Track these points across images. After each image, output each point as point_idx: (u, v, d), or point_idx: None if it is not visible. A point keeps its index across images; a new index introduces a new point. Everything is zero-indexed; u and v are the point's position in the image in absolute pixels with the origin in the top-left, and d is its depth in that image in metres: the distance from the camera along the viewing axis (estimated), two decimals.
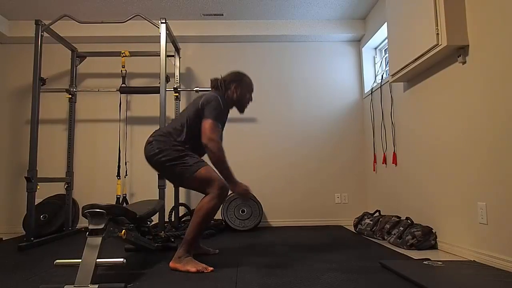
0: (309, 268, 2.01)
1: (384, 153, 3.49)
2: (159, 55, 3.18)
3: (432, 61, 2.47)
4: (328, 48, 4.20)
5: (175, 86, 3.75)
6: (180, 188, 3.75)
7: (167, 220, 3.48)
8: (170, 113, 3.87)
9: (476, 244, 2.15)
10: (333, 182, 4.02)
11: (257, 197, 3.66)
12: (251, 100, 2.40)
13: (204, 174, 2.05)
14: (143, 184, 3.88)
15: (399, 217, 2.98)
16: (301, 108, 4.11)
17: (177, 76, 3.83)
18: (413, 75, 2.80)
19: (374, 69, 4.07)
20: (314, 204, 3.98)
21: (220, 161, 2.07)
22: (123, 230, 1.90)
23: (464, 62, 2.24)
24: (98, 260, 1.64)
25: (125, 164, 3.81)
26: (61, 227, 3.45)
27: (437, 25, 2.23)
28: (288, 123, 4.09)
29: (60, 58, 3.91)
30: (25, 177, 2.87)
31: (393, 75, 2.91)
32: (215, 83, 2.33)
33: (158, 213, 2.86)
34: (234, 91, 2.31)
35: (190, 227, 2.02)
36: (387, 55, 3.55)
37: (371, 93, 3.81)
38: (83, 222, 3.71)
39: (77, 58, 3.77)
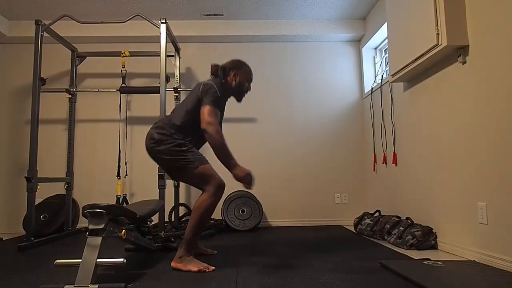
0: (309, 268, 2.01)
1: (384, 153, 3.49)
2: (159, 55, 3.17)
3: (432, 61, 2.47)
4: (328, 48, 4.20)
5: (175, 86, 3.75)
6: (180, 188, 3.75)
7: (167, 220, 3.48)
8: None
9: (476, 244, 2.15)
10: (333, 182, 4.02)
11: (257, 197, 3.66)
12: (249, 89, 2.38)
13: (204, 171, 2.05)
14: (143, 184, 3.88)
15: (399, 217, 2.98)
16: (301, 108, 4.11)
17: (177, 76, 3.83)
18: (413, 75, 2.79)
19: (374, 69, 4.07)
20: (314, 204, 3.98)
21: (219, 144, 2.01)
22: (123, 230, 1.90)
23: (464, 62, 2.24)
24: (98, 260, 1.64)
25: (125, 164, 3.80)
26: (61, 227, 3.45)
27: (437, 25, 2.23)
28: (288, 123, 4.09)
29: (60, 58, 3.91)
30: (25, 177, 2.87)
31: (393, 75, 2.91)
32: (215, 69, 2.31)
33: (158, 213, 2.86)
34: (233, 78, 2.29)
35: (189, 226, 2.03)
36: (387, 55, 3.55)
37: (371, 93, 3.81)
38: (83, 222, 3.71)
39: (77, 58, 3.77)
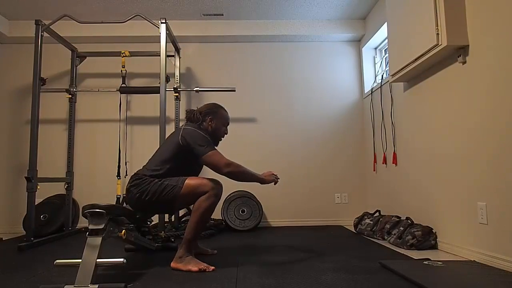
0: (309, 268, 2.01)
1: (384, 153, 3.49)
2: (159, 55, 3.17)
3: (432, 61, 2.47)
4: (328, 48, 4.20)
5: (175, 86, 3.75)
6: None
7: (167, 220, 3.48)
8: (170, 113, 3.87)
9: (476, 244, 2.15)
10: (333, 182, 4.02)
11: (257, 197, 3.66)
12: (226, 133, 2.37)
13: (192, 184, 2.03)
14: None
15: (399, 217, 2.98)
16: (301, 108, 4.11)
17: (177, 76, 3.83)
18: (413, 75, 2.79)
19: (374, 69, 4.07)
20: (314, 204, 3.98)
21: (242, 174, 2.13)
22: (123, 230, 1.90)
23: (464, 62, 2.24)
24: (98, 260, 1.64)
25: (125, 164, 3.80)
26: (61, 227, 3.45)
27: (437, 25, 2.23)
28: (288, 123, 4.09)
29: (60, 58, 3.91)
30: (25, 177, 2.87)
31: (393, 75, 2.91)
32: (190, 114, 2.29)
33: None
34: (210, 123, 2.28)
35: (189, 226, 2.02)
36: (387, 55, 3.55)
37: (371, 93, 3.81)
38: (83, 222, 3.71)
39: (77, 58, 3.76)
